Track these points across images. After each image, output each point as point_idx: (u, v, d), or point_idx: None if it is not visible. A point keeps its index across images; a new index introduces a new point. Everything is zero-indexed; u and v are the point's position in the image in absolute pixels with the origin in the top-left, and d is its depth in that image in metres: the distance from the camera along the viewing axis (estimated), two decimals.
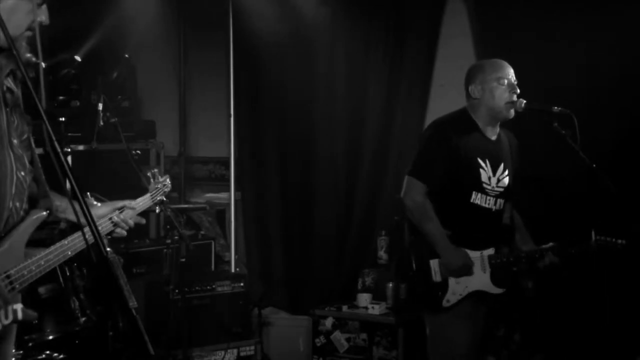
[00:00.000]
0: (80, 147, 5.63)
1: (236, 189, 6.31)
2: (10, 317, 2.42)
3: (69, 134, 5.43)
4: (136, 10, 6.12)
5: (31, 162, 2.58)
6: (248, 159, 6.44)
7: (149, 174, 3.26)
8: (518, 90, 3.90)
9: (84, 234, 2.39)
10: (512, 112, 3.91)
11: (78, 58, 5.64)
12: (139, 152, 6.07)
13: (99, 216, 2.72)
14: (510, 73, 3.92)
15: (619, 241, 3.86)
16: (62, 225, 2.64)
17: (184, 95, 6.83)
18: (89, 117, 5.44)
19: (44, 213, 2.55)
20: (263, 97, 6.38)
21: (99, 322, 4.25)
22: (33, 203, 2.60)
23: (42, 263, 2.47)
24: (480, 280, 3.87)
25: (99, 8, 5.89)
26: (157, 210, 3.25)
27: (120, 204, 2.80)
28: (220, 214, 6.48)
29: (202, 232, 6.12)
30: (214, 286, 5.41)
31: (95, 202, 4.00)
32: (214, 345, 5.28)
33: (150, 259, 5.46)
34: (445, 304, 3.82)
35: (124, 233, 2.79)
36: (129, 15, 6.10)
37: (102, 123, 5.22)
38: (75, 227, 2.65)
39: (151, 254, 5.45)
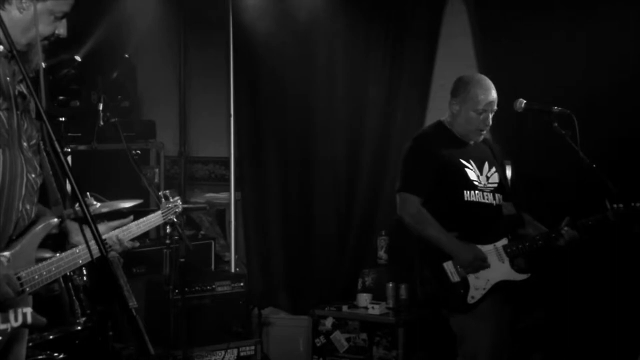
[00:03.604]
0: (80, 147, 5.63)
1: (236, 189, 6.30)
2: (20, 320, 2.41)
3: (69, 134, 5.43)
4: (136, 10, 6.12)
5: (41, 167, 2.57)
6: (248, 159, 6.43)
7: (160, 193, 3.28)
8: (489, 122, 3.94)
9: (89, 247, 2.36)
10: (480, 138, 3.99)
11: (78, 58, 5.64)
12: (139, 152, 6.07)
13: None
14: (490, 99, 3.93)
15: (637, 204, 3.84)
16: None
17: (184, 95, 6.82)
18: (89, 117, 5.44)
19: (56, 220, 2.55)
20: (263, 97, 6.37)
21: (99, 322, 4.25)
22: (42, 210, 2.59)
23: (53, 269, 2.46)
24: (500, 270, 3.88)
25: (99, 8, 5.89)
26: (168, 230, 3.26)
27: (116, 223, 2.78)
28: (220, 214, 6.47)
29: (202, 232, 6.12)
30: (214, 286, 5.41)
31: (95, 202, 4.01)
32: (214, 345, 5.28)
33: (150, 259, 5.46)
34: (470, 300, 3.82)
35: (115, 255, 2.78)
36: (129, 15, 6.10)
37: (102, 123, 5.22)
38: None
39: (151, 254, 5.45)
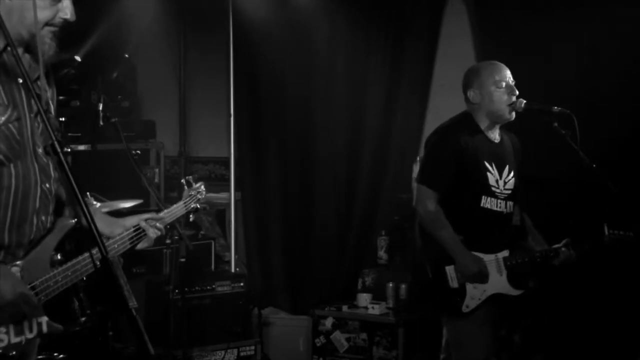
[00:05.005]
0: (80, 147, 5.63)
1: (236, 189, 6.30)
2: (35, 331, 2.31)
3: (69, 134, 5.43)
4: (136, 10, 6.11)
5: (56, 169, 2.46)
6: (248, 159, 6.43)
7: (182, 180, 3.14)
8: (517, 92, 3.89)
9: (91, 255, 2.35)
10: (513, 114, 3.90)
11: (78, 58, 5.64)
12: (139, 152, 6.07)
13: (127, 227, 2.66)
14: (508, 74, 3.90)
15: (629, 233, 3.87)
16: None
17: (184, 95, 6.82)
18: (89, 117, 5.44)
19: (72, 221, 2.47)
20: (263, 97, 6.37)
21: (99, 322, 4.24)
22: (60, 209, 2.52)
23: (69, 274, 2.39)
24: (497, 283, 3.86)
25: (99, 8, 5.89)
26: (191, 219, 3.15)
27: (147, 215, 2.75)
28: (220, 214, 6.47)
29: (202, 232, 6.11)
30: (214, 286, 5.40)
31: (95, 202, 3.99)
32: (214, 345, 5.28)
33: (150, 259, 5.46)
34: (465, 309, 3.81)
35: (146, 244, 2.72)
36: (129, 15, 6.09)
37: (102, 123, 5.21)
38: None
39: (151, 254, 5.44)
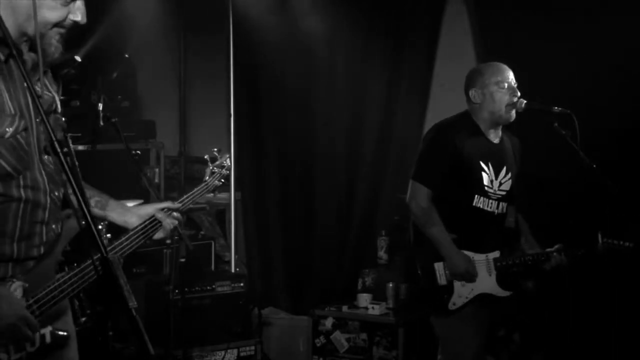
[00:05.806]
0: (80, 147, 5.63)
1: (236, 189, 6.30)
2: (37, 344, 2.25)
3: (69, 134, 5.42)
4: (136, 10, 6.11)
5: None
6: (248, 159, 6.44)
7: (206, 156, 2.95)
8: (518, 93, 3.90)
9: (93, 262, 2.30)
10: (514, 114, 3.91)
11: (78, 58, 5.63)
12: (139, 152, 6.06)
13: (142, 216, 2.61)
14: (510, 76, 3.92)
15: (626, 244, 3.86)
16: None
17: (184, 95, 6.81)
18: (89, 117, 5.44)
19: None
20: (263, 97, 6.37)
21: (99, 322, 4.24)
22: (68, 203, 2.42)
23: (76, 279, 2.31)
24: (486, 283, 3.88)
25: (99, 8, 5.89)
26: (216, 194, 3.01)
27: (163, 205, 2.69)
28: (220, 214, 6.47)
29: (202, 232, 6.11)
30: (214, 286, 5.40)
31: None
32: (214, 345, 5.27)
33: (150, 259, 5.46)
34: (451, 306, 3.83)
35: (162, 235, 2.67)
36: (129, 15, 6.09)
37: (102, 123, 5.21)
38: (117, 228, 2.56)
39: (151, 254, 5.44)
